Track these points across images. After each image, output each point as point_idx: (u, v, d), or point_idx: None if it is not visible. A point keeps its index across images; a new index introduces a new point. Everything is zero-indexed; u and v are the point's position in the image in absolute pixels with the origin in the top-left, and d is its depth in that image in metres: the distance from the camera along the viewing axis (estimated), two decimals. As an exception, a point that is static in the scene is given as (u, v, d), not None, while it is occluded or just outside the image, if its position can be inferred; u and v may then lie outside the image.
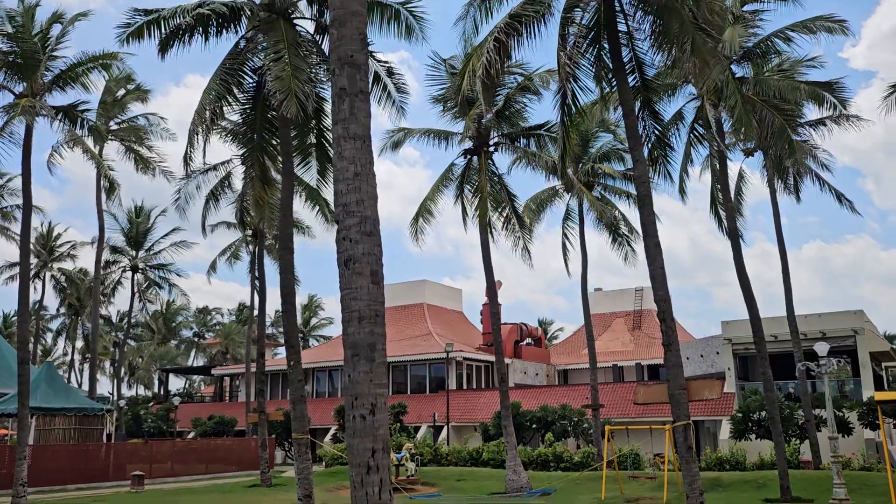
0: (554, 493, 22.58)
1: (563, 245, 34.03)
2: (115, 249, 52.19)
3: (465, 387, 44.76)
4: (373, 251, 6.08)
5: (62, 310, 66.90)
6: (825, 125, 27.25)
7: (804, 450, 26.43)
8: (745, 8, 22.61)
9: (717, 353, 36.30)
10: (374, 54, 18.86)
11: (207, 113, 17.39)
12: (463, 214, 26.33)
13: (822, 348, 16.12)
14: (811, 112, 26.97)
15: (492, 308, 24.76)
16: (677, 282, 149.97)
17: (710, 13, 14.74)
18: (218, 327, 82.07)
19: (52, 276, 60.52)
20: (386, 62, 19.48)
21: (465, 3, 18.05)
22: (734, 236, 21.88)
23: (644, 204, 13.85)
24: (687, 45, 14.07)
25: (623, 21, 16.27)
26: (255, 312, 34.81)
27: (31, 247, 32.71)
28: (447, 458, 31.14)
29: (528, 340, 50.79)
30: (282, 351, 72.78)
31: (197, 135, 17.54)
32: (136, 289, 53.05)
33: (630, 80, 16.24)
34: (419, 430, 39.50)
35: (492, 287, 24.58)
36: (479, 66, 15.13)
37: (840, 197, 28.93)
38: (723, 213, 23.34)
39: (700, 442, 34.24)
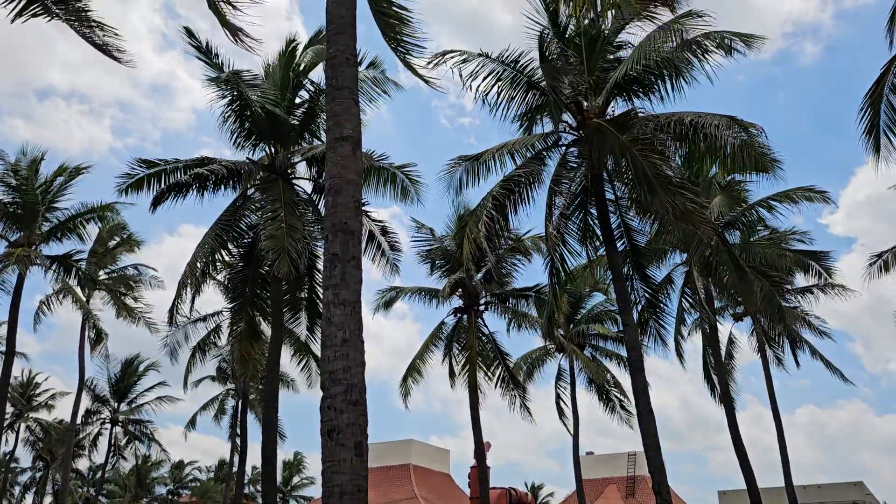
0: None
1: (558, 405, 33.54)
2: (97, 398, 50.76)
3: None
4: (358, 421, 5.85)
5: (35, 462, 64.25)
6: (812, 293, 27.59)
7: None
8: (729, 178, 23.48)
9: (715, 523, 34.74)
10: (368, 213, 19.28)
11: (199, 265, 17.48)
12: (450, 374, 25.99)
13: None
14: (799, 280, 27.39)
15: (480, 473, 23.91)
16: (670, 445, 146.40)
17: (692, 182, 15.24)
18: (194, 484, 78.74)
19: (28, 426, 58.56)
20: (380, 221, 19.89)
21: (449, 163, 17.92)
22: (728, 403, 21.56)
23: (636, 369, 13.68)
24: (670, 211, 14.30)
25: (610, 189, 16.76)
26: (234, 470, 33.49)
27: (9, 394, 31.90)
28: None
29: (517, 506, 48.64)
30: (260, 512, 69.45)
31: (186, 287, 17.51)
32: (113, 442, 51.20)
33: (619, 244, 16.54)
34: None
35: (480, 449, 23.83)
36: (481, 225, 15.28)
37: (829, 365, 28.79)
38: (716, 379, 23.10)
39: None
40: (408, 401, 24.82)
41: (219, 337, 31.69)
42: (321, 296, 18.02)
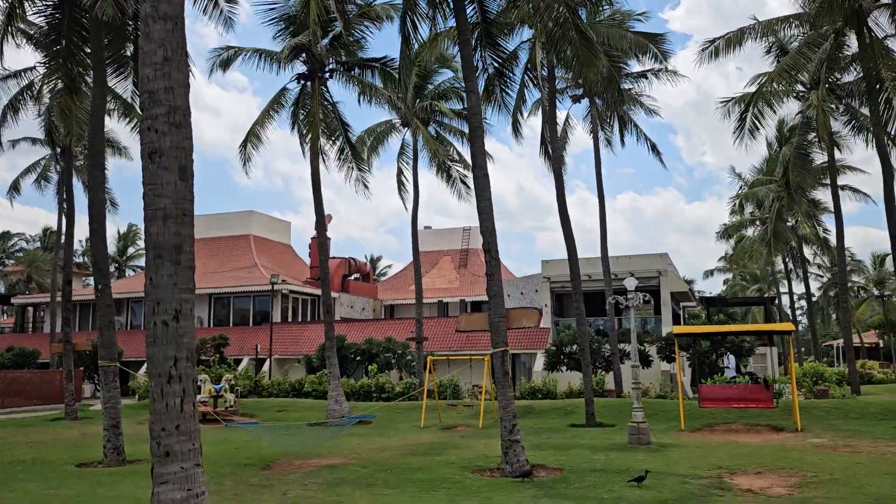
0: (374, 422, 22.90)
1: (399, 180, 34.04)
2: None
3: (290, 320, 44.15)
4: (182, 144, 5.53)
5: None
6: (647, 78, 28.70)
7: (609, 380, 28.47)
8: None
9: (536, 290, 38.05)
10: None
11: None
12: (301, 141, 25.50)
13: (630, 283, 17.24)
14: (634, 66, 28.27)
15: (320, 239, 24.29)
16: (503, 224, 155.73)
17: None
18: (20, 254, 75.39)
19: None
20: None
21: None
22: (559, 175, 22.69)
23: (475, 136, 13.91)
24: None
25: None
26: (63, 237, 32.09)
27: None
28: (268, 389, 30.71)
29: (356, 275, 50.74)
30: (93, 281, 68.24)
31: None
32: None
33: (469, 11, 16.09)
34: (241, 363, 38.61)
35: (321, 217, 24.08)
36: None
37: (653, 147, 30.78)
38: (551, 153, 24.07)
39: (516, 374, 35.99)
40: (248, 168, 24.27)
41: (33, 97, 28.86)
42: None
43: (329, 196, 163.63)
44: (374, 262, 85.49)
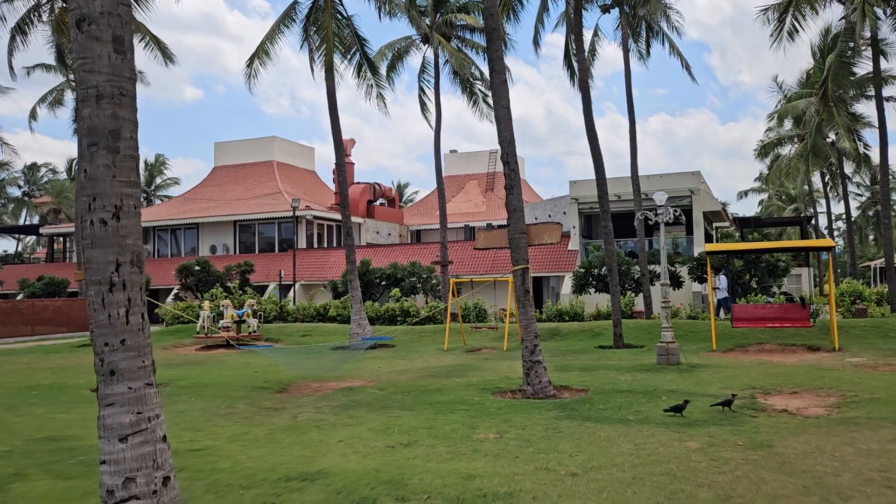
0: (397, 345, 22.60)
1: (421, 100, 33.03)
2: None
3: (315, 246, 43.89)
4: (115, 10, 4.73)
5: None
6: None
7: (638, 302, 27.81)
8: None
9: (564, 213, 37.15)
10: None
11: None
12: (310, 59, 24.49)
13: (660, 197, 16.32)
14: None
15: (338, 160, 23.53)
16: (531, 149, 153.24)
17: None
18: (48, 185, 75.85)
19: None
20: None
21: None
22: (585, 87, 21.55)
23: (492, 38, 12.89)
24: None
25: None
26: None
27: None
28: (293, 315, 30.56)
29: (382, 200, 50.14)
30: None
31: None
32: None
33: None
34: (267, 290, 38.59)
35: (338, 137, 23.26)
36: None
37: (684, 61, 29.20)
38: (576, 65, 22.85)
39: (543, 297, 35.48)
40: (252, 83, 23.25)
41: (40, 17, 27.96)
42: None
43: (356, 124, 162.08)
44: (401, 188, 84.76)
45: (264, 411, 11.30)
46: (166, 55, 29.18)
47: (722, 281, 26.68)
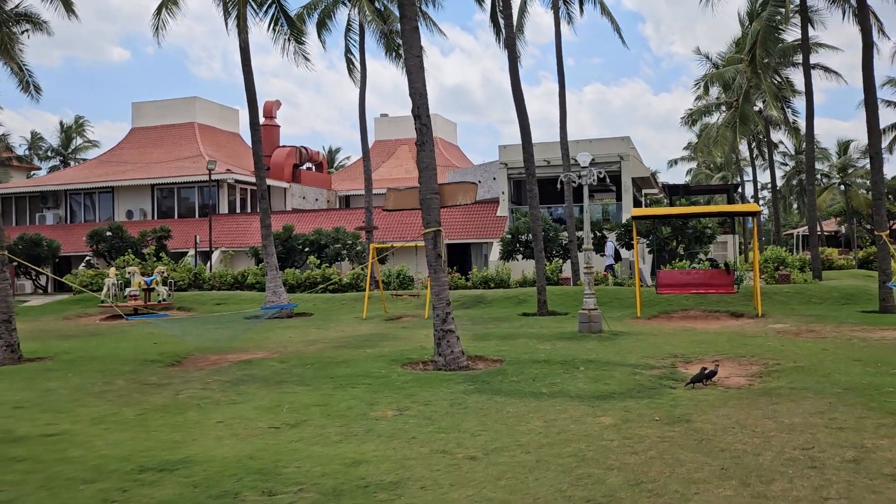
0: (318, 314, 21.60)
1: (348, 60, 31.64)
2: None
3: (238, 211, 42.19)
4: None
5: None
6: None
7: (566, 269, 27.34)
8: None
9: (494, 178, 36.42)
10: None
11: None
12: (224, 10, 22.92)
13: (583, 158, 15.62)
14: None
15: (252, 118, 22.14)
16: (468, 117, 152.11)
17: None
18: None
19: None
20: None
21: None
22: (511, 45, 20.65)
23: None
24: None
25: None
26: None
27: None
28: (210, 282, 29.16)
29: (309, 165, 48.52)
30: (35, 173, 64.95)
31: None
32: None
33: None
34: (186, 256, 36.88)
35: (251, 91, 21.83)
36: None
37: (614, 24, 28.53)
38: (502, 22, 21.91)
39: (472, 263, 34.82)
40: (161, 35, 21.60)
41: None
42: None
43: (290, 88, 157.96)
44: (332, 153, 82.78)
45: (146, 388, 10.22)
46: (68, 7, 26.92)
47: (609, 247, 26.34)
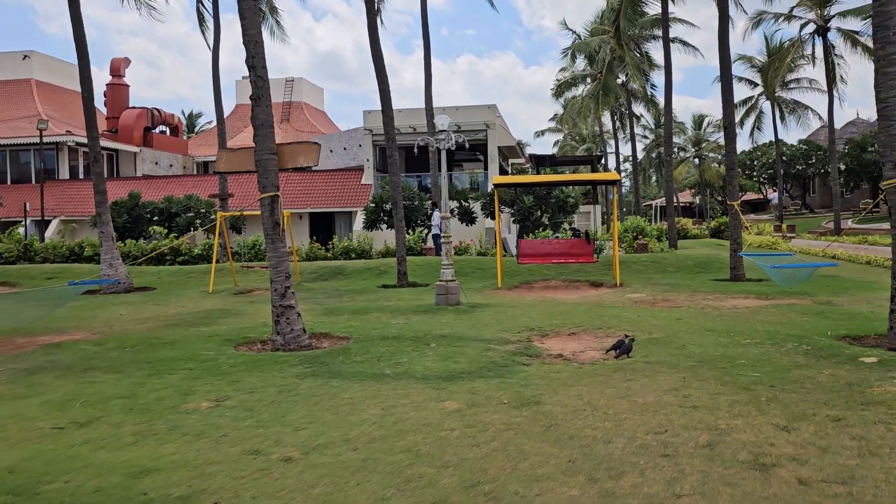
0: (161, 288, 19.86)
1: (198, 11, 29.32)
2: None
3: (82, 177, 38.86)
4: None
5: None
6: None
7: (430, 239, 26.68)
8: None
9: (360, 145, 35.24)
10: None
11: None
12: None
13: (442, 121, 14.78)
14: None
15: (82, 71, 19.89)
16: (341, 85, 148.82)
17: None
18: None
19: None
20: None
21: None
22: (371, 6, 19.49)
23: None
24: None
25: None
26: None
27: None
28: (42, 254, 26.51)
29: (163, 128, 45.41)
30: None
31: None
32: None
33: None
34: (19, 226, 33.54)
35: (80, 40, 19.57)
36: None
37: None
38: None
39: (338, 233, 33.60)
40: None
41: None
42: None
43: (152, 49, 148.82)
44: (193, 118, 78.48)
45: (-84, 381, 8.57)
46: None
47: (436, 217, 26.11)
